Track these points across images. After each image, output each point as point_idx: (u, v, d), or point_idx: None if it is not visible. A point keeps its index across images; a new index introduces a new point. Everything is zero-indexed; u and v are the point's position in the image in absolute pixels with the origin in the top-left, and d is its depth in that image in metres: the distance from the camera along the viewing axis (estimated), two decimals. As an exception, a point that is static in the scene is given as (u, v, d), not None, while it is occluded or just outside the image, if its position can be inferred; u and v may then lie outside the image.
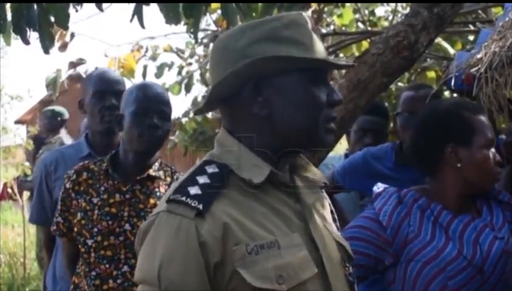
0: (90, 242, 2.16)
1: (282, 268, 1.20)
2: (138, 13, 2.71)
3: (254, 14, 2.85)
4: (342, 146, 3.59)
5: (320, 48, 1.29)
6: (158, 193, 2.19)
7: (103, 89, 2.52)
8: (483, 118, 1.92)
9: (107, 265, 2.14)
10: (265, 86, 1.26)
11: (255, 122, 1.28)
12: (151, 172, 2.19)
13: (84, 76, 4.85)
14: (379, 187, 2.01)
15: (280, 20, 1.28)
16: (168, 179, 2.24)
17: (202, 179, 1.25)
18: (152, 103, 2.14)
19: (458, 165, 1.91)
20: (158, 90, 2.20)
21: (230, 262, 1.19)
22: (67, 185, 2.23)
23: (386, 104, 4.43)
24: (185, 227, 1.19)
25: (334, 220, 1.46)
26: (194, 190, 1.22)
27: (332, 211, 1.47)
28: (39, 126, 5.72)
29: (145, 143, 2.14)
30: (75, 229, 2.20)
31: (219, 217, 1.20)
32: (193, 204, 1.20)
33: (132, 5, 2.75)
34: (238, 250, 1.19)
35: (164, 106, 2.17)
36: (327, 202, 1.46)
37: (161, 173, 2.23)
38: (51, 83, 4.59)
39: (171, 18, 2.67)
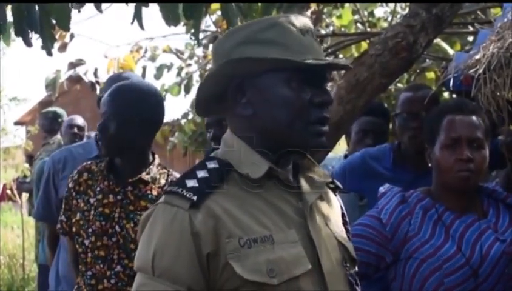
0: (86, 242, 2.17)
1: (274, 263, 1.23)
2: (137, 15, 2.71)
3: (254, 15, 2.85)
4: (341, 147, 3.59)
5: (306, 49, 1.29)
6: (149, 196, 2.18)
7: None
8: (458, 118, 1.93)
9: (101, 265, 2.15)
10: (248, 86, 1.30)
11: (242, 121, 1.32)
12: (143, 176, 2.19)
13: (83, 77, 4.85)
14: (385, 187, 2.03)
15: (263, 22, 1.32)
16: (163, 181, 2.23)
17: (201, 173, 1.29)
18: (117, 109, 2.14)
19: (429, 165, 1.99)
20: (129, 95, 2.15)
21: (223, 254, 1.22)
22: (70, 185, 2.26)
23: (385, 105, 4.43)
24: (179, 217, 1.23)
25: (345, 222, 1.48)
26: (191, 183, 1.27)
27: (343, 215, 1.49)
28: (40, 126, 5.72)
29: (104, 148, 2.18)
30: (73, 229, 2.22)
31: (213, 209, 1.24)
32: (188, 196, 1.24)
33: (131, 6, 2.75)
34: (231, 242, 1.23)
35: (127, 109, 2.14)
36: (337, 203, 1.48)
37: (157, 175, 2.23)
38: (51, 84, 4.59)
39: (171, 20, 2.67)
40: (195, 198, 1.24)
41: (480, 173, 1.92)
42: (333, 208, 1.45)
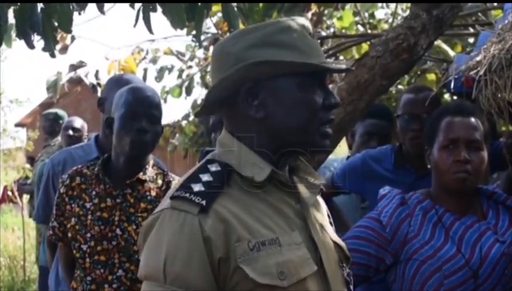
0: (84, 247, 2.16)
1: (284, 265, 1.23)
2: (145, 18, 2.71)
3: (256, 16, 2.85)
4: (342, 149, 3.58)
5: (316, 52, 1.31)
6: (148, 197, 2.18)
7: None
8: (457, 119, 1.93)
9: (102, 270, 2.14)
10: (260, 89, 1.30)
11: (252, 124, 1.31)
12: (141, 175, 2.18)
13: (84, 79, 4.86)
14: (385, 189, 2.03)
15: (275, 25, 1.31)
16: (160, 181, 2.23)
17: (205, 177, 1.28)
18: (141, 107, 2.13)
19: (428, 166, 1.98)
20: (148, 93, 2.19)
21: (233, 258, 1.22)
22: (61, 190, 2.23)
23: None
24: (189, 222, 1.22)
25: (330, 224, 1.48)
26: (197, 187, 1.26)
27: (328, 215, 1.49)
28: (41, 128, 5.71)
29: (133, 147, 2.13)
30: (69, 234, 2.20)
31: (222, 213, 1.23)
32: (196, 200, 1.23)
33: (134, 8, 2.75)
34: (240, 246, 1.22)
35: (154, 109, 2.16)
36: (323, 205, 1.49)
37: (153, 175, 2.23)
38: (52, 86, 4.59)
39: (177, 23, 2.67)
40: (203, 203, 1.23)
41: (477, 174, 1.92)
42: (322, 209, 1.46)
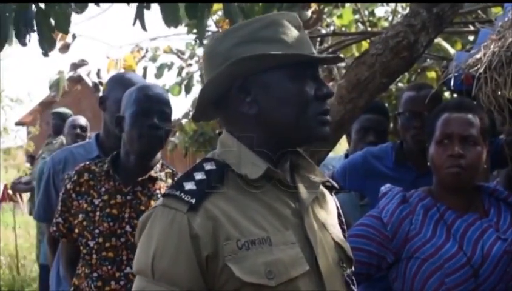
0: (91, 243, 2.16)
1: (273, 264, 1.23)
2: (139, 16, 2.71)
3: (256, 15, 2.85)
4: (342, 147, 3.59)
5: (303, 44, 1.32)
6: (159, 195, 2.18)
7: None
8: (454, 115, 1.94)
9: (109, 267, 2.14)
10: (251, 85, 1.31)
11: (246, 121, 1.32)
12: (152, 173, 2.19)
13: (86, 78, 4.87)
14: (386, 187, 2.03)
15: (261, 21, 1.33)
16: (170, 180, 2.24)
17: (198, 176, 1.29)
18: (152, 104, 2.15)
19: (429, 163, 1.98)
20: (158, 91, 2.21)
21: (221, 256, 1.23)
22: (68, 186, 2.23)
23: (386, 105, 4.43)
24: (178, 220, 1.24)
25: (341, 223, 1.48)
26: (189, 186, 1.28)
27: (339, 214, 1.49)
28: (51, 125, 5.70)
29: (145, 143, 2.14)
30: (76, 230, 2.20)
31: (212, 211, 1.24)
32: (186, 199, 1.25)
33: (133, 7, 2.75)
34: (229, 244, 1.23)
35: (165, 106, 2.18)
36: (333, 203, 1.48)
37: (162, 174, 2.24)
38: (55, 85, 4.60)
39: (171, 21, 2.67)
40: (193, 201, 1.24)
41: (472, 169, 1.91)
42: (330, 208, 1.45)
